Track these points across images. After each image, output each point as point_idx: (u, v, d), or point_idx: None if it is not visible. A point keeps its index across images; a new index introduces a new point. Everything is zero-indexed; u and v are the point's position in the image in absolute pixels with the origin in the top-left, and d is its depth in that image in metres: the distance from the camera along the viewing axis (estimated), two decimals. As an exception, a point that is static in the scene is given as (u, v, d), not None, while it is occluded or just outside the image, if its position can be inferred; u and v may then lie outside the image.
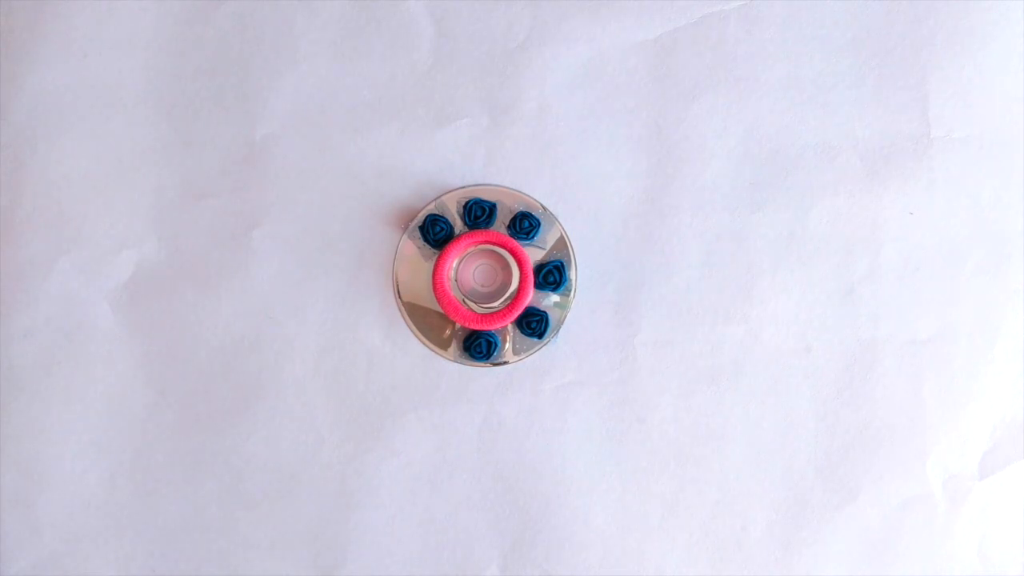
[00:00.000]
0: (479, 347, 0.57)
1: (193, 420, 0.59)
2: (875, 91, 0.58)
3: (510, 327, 0.58)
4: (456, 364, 0.58)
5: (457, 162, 0.59)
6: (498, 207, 0.58)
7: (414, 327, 0.58)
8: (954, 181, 0.58)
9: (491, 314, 0.57)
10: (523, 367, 0.59)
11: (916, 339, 0.58)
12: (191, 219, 0.59)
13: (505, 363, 0.58)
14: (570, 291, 0.58)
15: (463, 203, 0.58)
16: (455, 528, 0.59)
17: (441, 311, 0.57)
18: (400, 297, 0.58)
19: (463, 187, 0.58)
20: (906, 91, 0.58)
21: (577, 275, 0.58)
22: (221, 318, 0.59)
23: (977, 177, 0.58)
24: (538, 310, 0.58)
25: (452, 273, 0.57)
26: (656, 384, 0.59)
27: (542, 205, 0.58)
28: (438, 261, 0.57)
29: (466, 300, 0.57)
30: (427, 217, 0.58)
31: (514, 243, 0.57)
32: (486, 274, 0.58)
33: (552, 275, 0.57)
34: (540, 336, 0.58)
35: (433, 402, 0.59)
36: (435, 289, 0.57)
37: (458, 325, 0.57)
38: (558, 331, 0.58)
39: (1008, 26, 0.58)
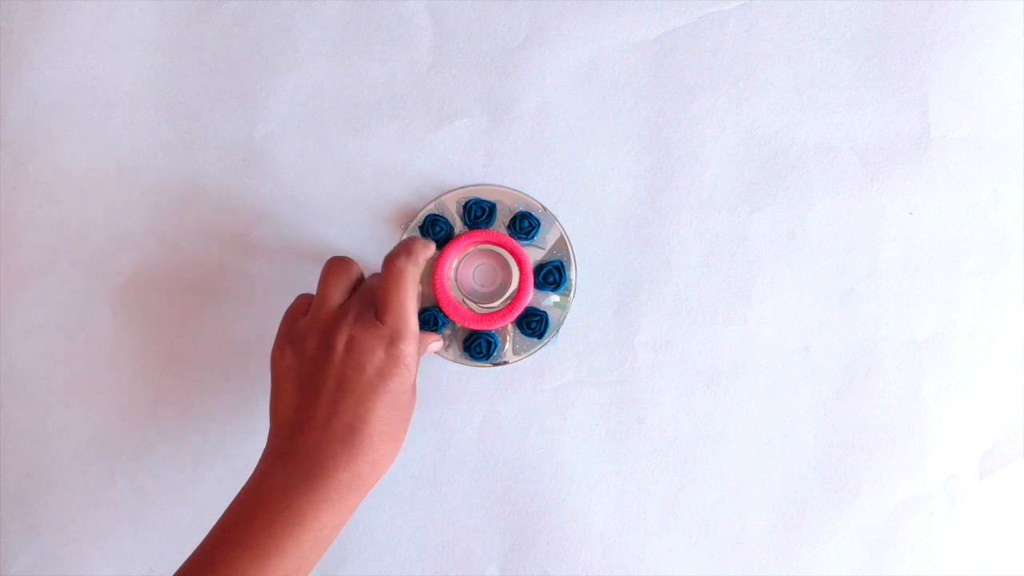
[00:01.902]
0: (479, 347, 0.57)
1: (193, 420, 0.59)
2: (875, 91, 0.58)
3: (510, 327, 0.58)
4: (456, 364, 0.58)
5: (457, 162, 0.59)
6: (498, 207, 0.58)
7: (414, 327, 0.58)
8: (954, 181, 0.58)
9: (491, 314, 0.57)
10: (523, 367, 0.59)
11: (916, 339, 0.58)
12: (191, 219, 0.59)
13: (505, 363, 0.58)
14: (570, 291, 0.58)
15: (463, 203, 0.58)
16: (455, 528, 0.59)
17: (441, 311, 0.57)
18: (400, 297, 0.58)
19: (463, 187, 0.58)
20: (906, 91, 0.58)
21: (577, 275, 0.58)
22: (221, 319, 0.59)
23: (977, 177, 0.58)
24: (538, 310, 0.58)
25: (452, 273, 0.57)
26: (656, 384, 0.59)
27: (542, 205, 0.58)
28: (438, 261, 0.57)
29: (466, 300, 0.57)
30: (427, 217, 0.58)
31: (514, 243, 0.57)
32: (486, 274, 0.58)
33: (552, 275, 0.57)
34: (540, 336, 0.58)
35: (433, 402, 0.59)
36: (435, 289, 0.57)
37: (458, 325, 0.57)
38: (558, 331, 0.58)
39: (1008, 26, 0.58)
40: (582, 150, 0.58)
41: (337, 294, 0.51)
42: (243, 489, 0.47)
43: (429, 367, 0.58)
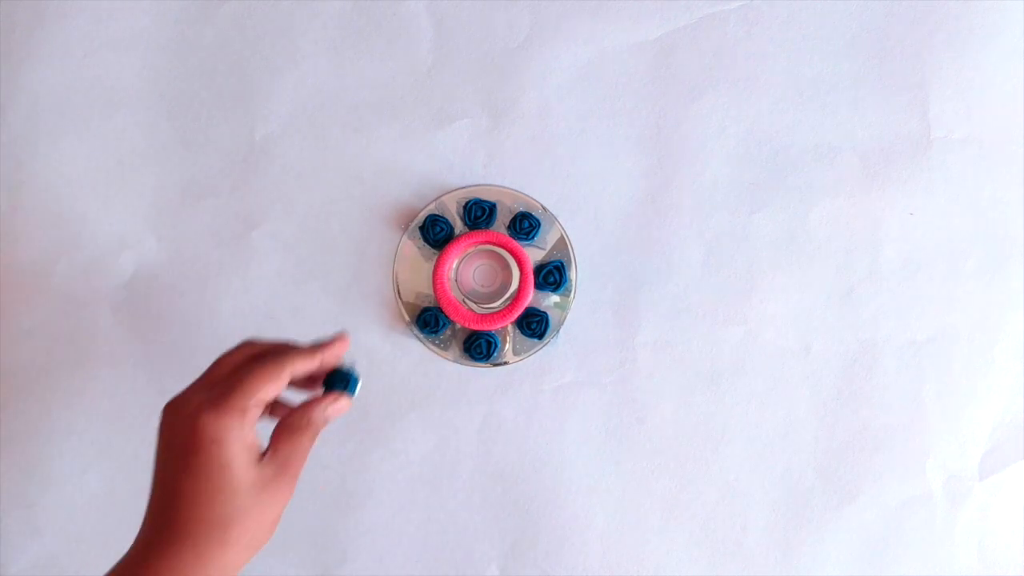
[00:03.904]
0: (479, 347, 0.57)
1: (193, 420, 0.59)
2: (875, 91, 0.58)
3: (510, 328, 0.58)
4: (456, 365, 0.58)
5: (457, 162, 0.59)
6: (498, 207, 0.58)
7: (414, 327, 0.58)
8: (954, 181, 0.58)
9: (491, 314, 0.57)
10: (523, 367, 0.59)
11: (916, 339, 0.58)
12: (191, 219, 0.59)
13: (505, 363, 0.58)
14: (570, 291, 0.58)
15: (463, 203, 0.58)
16: (455, 528, 0.59)
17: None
18: (400, 297, 0.58)
19: (463, 187, 0.58)
20: (906, 91, 0.58)
21: (577, 275, 0.58)
22: (221, 318, 0.59)
23: (977, 177, 0.58)
24: (538, 310, 0.58)
25: (452, 273, 0.57)
26: (656, 384, 0.59)
27: (542, 205, 0.58)
28: (438, 261, 0.57)
29: (466, 300, 0.57)
30: (427, 217, 0.58)
31: (514, 243, 0.57)
32: (486, 274, 0.58)
33: (552, 275, 0.57)
34: (540, 337, 0.58)
35: (433, 402, 0.59)
36: (435, 289, 0.57)
37: (458, 325, 0.57)
38: (558, 331, 0.58)
39: (1008, 26, 0.58)
40: (582, 150, 0.58)
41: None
42: None
43: (429, 368, 0.58)
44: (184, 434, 0.41)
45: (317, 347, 0.46)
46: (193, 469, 0.41)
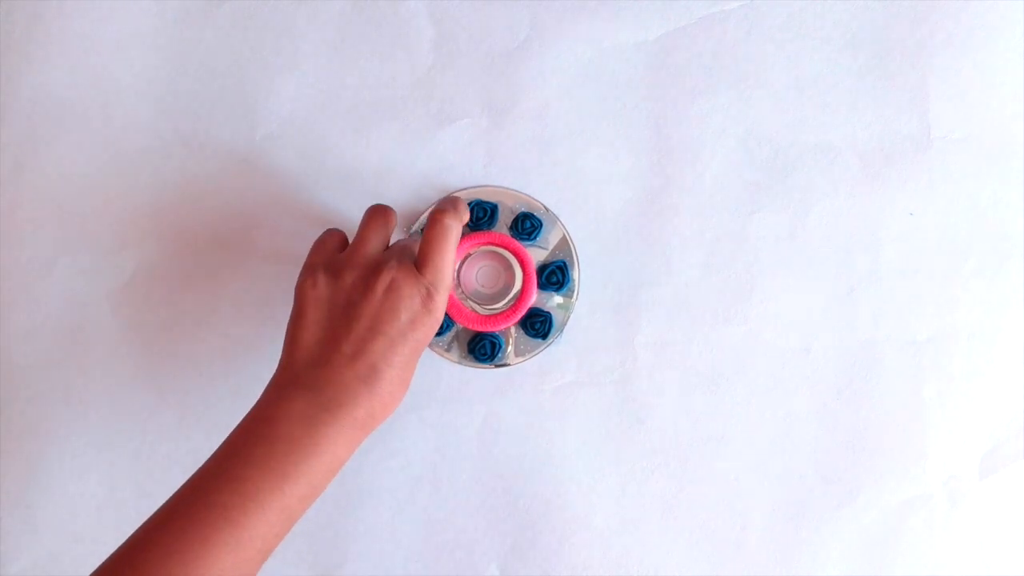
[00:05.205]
0: (483, 349, 0.57)
1: (193, 420, 0.59)
2: (875, 91, 0.58)
3: (513, 328, 0.58)
4: (457, 365, 0.58)
5: (457, 163, 0.59)
6: (499, 208, 0.58)
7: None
8: (954, 181, 0.58)
9: (494, 315, 0.57)
10: (523, 368, 0.59)
11: (916, 339, 0.58)
12: (191, 219, 0.59)
13: (507, 364, 0.58)
14: (573, 291, 0.58)
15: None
16: (455, 528, 0.59)
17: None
18: (400, 297, 0.58)
19: (464, 188, 0.58)
20: (906, 91, 0.58)
21: (580, 275, 0.58)
22: (221, 318, 0.59)
23: (977, 177, 0.58)
24: (541, 311, 0.58)
25: (455, 275, 0.57)
26: (656, 384, 0.59)
27: (544, 205, 0.58)
28: (439, 262, 0.57)
29: (469, 301, 0.57)
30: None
31: (516, 244, 0.57)
32: (489, 275, 0.58)
33: (555, 275, 0.57)
34: (544, 337, 0.57)
35: (433, 402, 0.59)
36: (436, 290, 0.56)
37: (461, 327, 0.57)
38: (561, 332, 0.58)
39: (1008, 26, 0.58)
40: (583, 150, 0.58)
41: (377, 239, 0.52)
42: (255, 411, 0.47)
43: (429, 368, 0.58)
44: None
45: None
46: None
